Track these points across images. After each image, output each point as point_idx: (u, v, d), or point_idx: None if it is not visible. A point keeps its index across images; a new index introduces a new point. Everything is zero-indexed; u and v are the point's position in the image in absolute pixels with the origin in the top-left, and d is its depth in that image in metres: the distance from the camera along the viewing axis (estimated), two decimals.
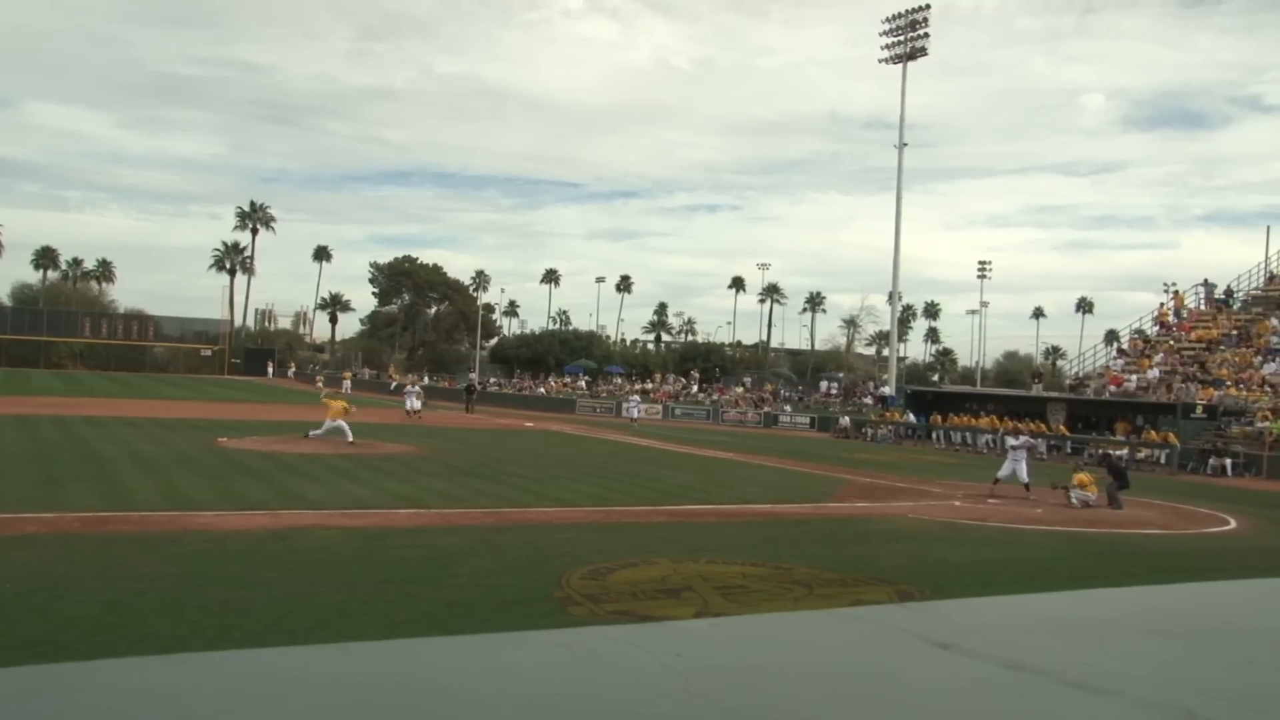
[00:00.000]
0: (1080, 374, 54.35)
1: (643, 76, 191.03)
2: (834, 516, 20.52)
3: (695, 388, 77.51)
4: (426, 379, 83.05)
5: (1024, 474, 24.46)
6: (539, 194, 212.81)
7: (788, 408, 63.64)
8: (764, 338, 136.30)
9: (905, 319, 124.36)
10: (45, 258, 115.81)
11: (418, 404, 45.52)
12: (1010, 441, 26.26)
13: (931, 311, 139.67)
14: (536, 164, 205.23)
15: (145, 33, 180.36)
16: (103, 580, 11.45)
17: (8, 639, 9.09)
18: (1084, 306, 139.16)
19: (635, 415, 51.71)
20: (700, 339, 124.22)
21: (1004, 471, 24.60)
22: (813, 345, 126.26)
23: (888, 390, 60.54)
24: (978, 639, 5.91)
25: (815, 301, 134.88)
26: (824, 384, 78.02)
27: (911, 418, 50.21)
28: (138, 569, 12.08)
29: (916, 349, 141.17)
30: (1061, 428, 43.28)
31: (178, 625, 9.79)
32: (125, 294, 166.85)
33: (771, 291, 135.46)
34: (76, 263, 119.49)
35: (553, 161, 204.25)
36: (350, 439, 29.15)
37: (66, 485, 18.68)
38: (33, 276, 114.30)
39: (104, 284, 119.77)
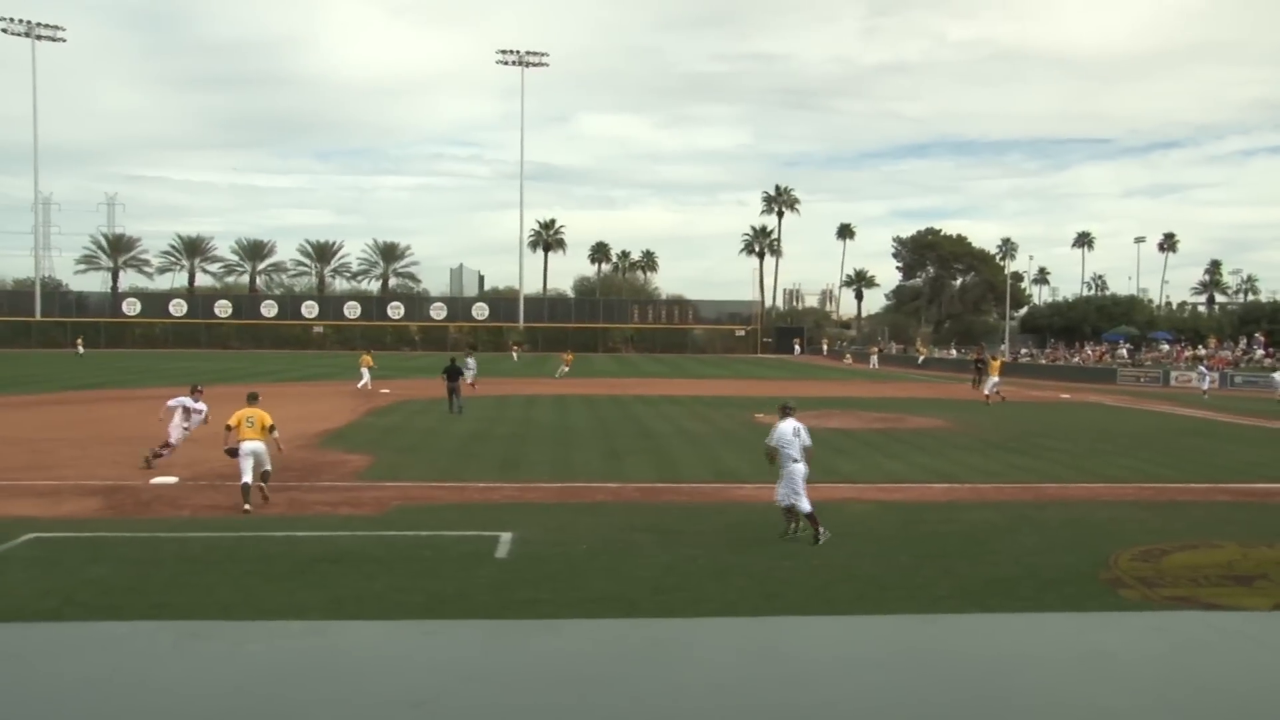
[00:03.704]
0: None
1: (1183, 13, 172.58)
2: None
3: (1260, 353, 69.02)
4: (953, 351, 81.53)
5: None
6: (1065, 154, 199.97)
7: None
8: None
9: None
10: (599, 252, 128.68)
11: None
12: None
13: None
14: (1061, 123, 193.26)
15: (673, 38, 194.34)
16: (661, 545, 12.51)
17: (585, 593, 10.24)
18: None
19: (1206, 386, 46.59)
20: (1264, 298, 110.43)
21: None
22: None
23: None
24: None
25: None
26: None
27: None
28: (690, 536, 13.07)
29: None
30: None
31: (727, 590, 10.46)
32: (666, 281, 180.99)
33: None
34: (624, 255, 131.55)
35: (1079, 118, 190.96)
36: None
37: (625, 458, 20.61)
38: (589, 270, 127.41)
39: (648, 273, 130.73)
